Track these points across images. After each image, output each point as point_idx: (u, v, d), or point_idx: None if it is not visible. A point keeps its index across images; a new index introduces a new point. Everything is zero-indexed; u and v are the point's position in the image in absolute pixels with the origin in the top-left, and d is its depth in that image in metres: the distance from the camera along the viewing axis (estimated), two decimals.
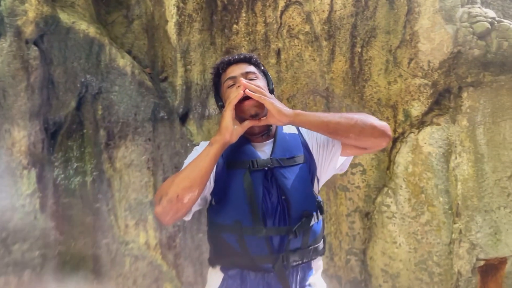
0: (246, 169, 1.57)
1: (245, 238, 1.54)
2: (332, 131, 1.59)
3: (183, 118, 2.94)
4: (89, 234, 2.52)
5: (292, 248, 1.56)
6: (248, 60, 1.71)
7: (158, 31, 2.90)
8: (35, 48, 2.30)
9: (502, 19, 3.13)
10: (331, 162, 1.71)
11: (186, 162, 1.63)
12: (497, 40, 3.06)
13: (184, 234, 2.85)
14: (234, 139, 1.55)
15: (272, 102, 1.54)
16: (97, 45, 2.51)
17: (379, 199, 3.27)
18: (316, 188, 1.68)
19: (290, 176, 1.60)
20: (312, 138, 1.72)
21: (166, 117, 2.77)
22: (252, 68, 1.70)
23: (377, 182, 3.27)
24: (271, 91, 1.71)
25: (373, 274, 3.28)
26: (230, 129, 1.52)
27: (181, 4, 2.84)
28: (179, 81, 2.84)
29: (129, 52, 2.78)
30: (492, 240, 3.14)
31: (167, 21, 2.83)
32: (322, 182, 1.76)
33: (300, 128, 1.75)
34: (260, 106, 1.58)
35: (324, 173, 1.73)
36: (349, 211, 3.31)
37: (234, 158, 1.61)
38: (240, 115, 1.58)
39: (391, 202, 3.22)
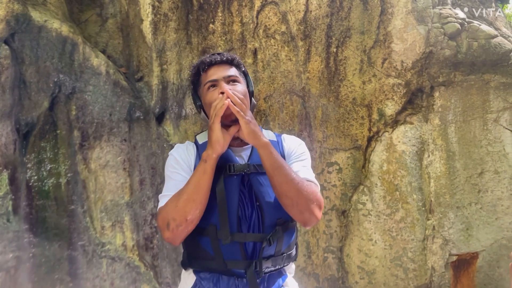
0: (220, 175, 1.55)
1: (219, 242, 1.54)
2: (277, 185, 1.52)
3: (160, 118, 2.91)
4: (64, 236, 2.47)
5: (265, 255, 1.57)
6: (230, 62, 1.68)
7: (133, 30, 2.87)
8: (6, 47, 2.24)
9: (472, 20, 3.23)
10: None
11: (167, 171, 1.63)
12: (467, 40, 3.15)
13: (161, 235, 2.83)
14: (225, 148, 1.55)
15: (247, 122, 1.52)
16: (70, 44, 2.47)
17: (355, 197, 3.31)
18: None
19: (266, 183, 1.58)
20: (290, 149, 1.72)
21: (142, 117, 2.74)
22: (233, 71, 1.67)
23: (353, 180, 3.31)
24: (251, 93, 1.71)
25: (350, 271, 3.32)
26: (221, 142, 1.51)
27: (156, 3, 2.82)
28: (155, 81, 2.82)
29: (103, 52, 2.74)
30: (464, 236, 3.23)
31: (142, 20, 2.80)
32: None
33: (281, 136, 1.77)
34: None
35: None
36: (326, 210, 3.34)
37: None
38: (224, 122, 1.57)
39: (367, 200, 3.28)
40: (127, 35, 2.86)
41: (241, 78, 1.69)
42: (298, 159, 1.68)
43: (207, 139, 1.63)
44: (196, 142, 1.71)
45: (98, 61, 2.56)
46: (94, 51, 2.58)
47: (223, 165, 1.58)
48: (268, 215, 1.57)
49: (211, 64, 1.66)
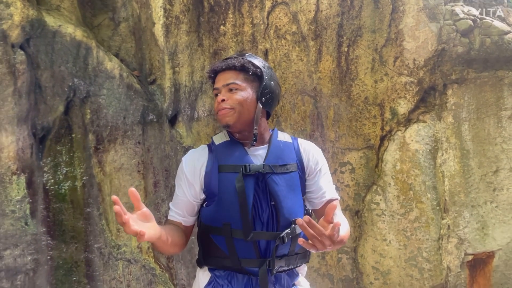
0: (238, 173, 1.58)
1: (234, 240, 1.57)
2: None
3: (172, 121, 2.92)
4: (81, 238, 2.49)
5: (279, 254, 1.60)
6: (234, 68, 1.68)
7: (145, 33, 2.89)
8: (21, 52, 2.26)
9: (484, 17, 3.20)
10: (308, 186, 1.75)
11: (176, 179, 1.73)
12: (480, 37, 3.12)
13: None
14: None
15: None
16: (84, 48, 2.49)
17: (368, 197, 3.30)
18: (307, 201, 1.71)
19: (281, 183, 1.62)
20: (311, 160, 1.75)
21: (155, 119, 2.75)
22: (234, 77, 1.67)
23: (366, 180, 3.30)
24: (261, 95, 1.69)
25: (364, 272, 3.31)
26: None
27: (168, 6, 2.83)
28: (167, 83, 2.83)
29: (116, 55, 2.76)
30: (479, 235, 3.20)
31: (154, 23, 2.82)
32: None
33: (297, 140, 1.79)
34: (231, 116, 1.64)
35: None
36: None
37: (227, 162, 1.62)
38: (222, 126, 1.70)
39: (380, 200, 3.26)
40: (139, 38, 2.88)
41: (247, 83, 1.68)
42: (322, 173, 1.72)
43: (223, 140, 1.70)
44: (212, 143, 1.73)
45: (111, 64, 2.58)
46: (107, 55, 2.60)
47: (239, 165, 1.60)
48: (283, 215, 1.60)
49: (216, 72, 1.73)
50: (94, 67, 2.52)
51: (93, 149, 2.53)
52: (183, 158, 1.74)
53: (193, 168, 1.66)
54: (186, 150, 2.84)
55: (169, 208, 1.72)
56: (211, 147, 1.72)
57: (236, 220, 1.56)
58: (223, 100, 1.64)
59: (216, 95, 1.70)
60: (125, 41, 2.84)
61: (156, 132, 2.76)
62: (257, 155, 1.68)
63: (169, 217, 1.72)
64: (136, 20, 2.88)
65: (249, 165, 1.60)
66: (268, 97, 1.71)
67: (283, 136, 1.76)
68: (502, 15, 3.38)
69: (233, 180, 1.58)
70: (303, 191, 1.70)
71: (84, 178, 2.49)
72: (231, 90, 1.65)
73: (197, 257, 1.75)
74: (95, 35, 2.74)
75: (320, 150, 1.80)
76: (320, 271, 3.35)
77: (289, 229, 1.58)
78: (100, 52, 2.55)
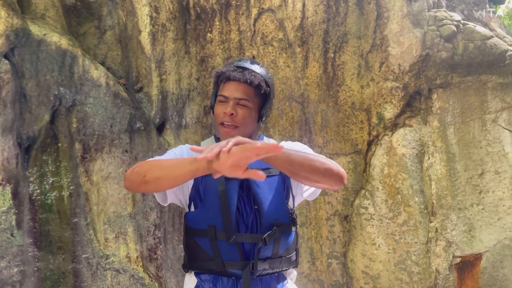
0: (222, 176, 1.59)
1: (218, 242, 1.58)
2: (294, 171, 1.50)
3: (160, 128, 2.92)
4: (68, 249, 2.46)
5: (262, 256, 1.60)
6: (249, 83, 1.65)
7: (131, 41, 2.88)
8: (6, 61, 2.24)
9: (467, 22, 3.25)
10: (298, 188, 1.74)
11: (170, 153, 1.66)
12: (463, 42, 3.17)
13: (165, 246, 2.82)
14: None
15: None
16: (70, 57, 2.47)
17: (357, 201, 3.32)
18: (291, 202, 1.72)
19: (263, 186, 1.63)
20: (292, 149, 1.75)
21: (142, 127, 2.74)
22: (247, 94, 1.65)
23: (355, 185, 3.32)
24: (264, 114, 1.70)
25: (354, 277, 3.32)
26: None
27: (154, 14, 2.83)
28: (154, 91, 2.83)
29: (102, 63, 2.75)
30: (467, 237, 3.23)
31: (140, 31, 2.82)
32: (297, 202, 1.78)
33: (279, 143, 1.77)
34: (234, 133, 1.60)
35: (296, 195, 1.76)
36: (329, 215, 3.35)
37: None
38: (222, 138, 1.64)
39: (369, 204, 3.28)
40: (126, 46, 2.87)
41: (254, 101, 1.67)
42: (302, 149, 1.71)
43: (211, 143, 1.68)
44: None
45: (97, 73, 2.57)
46: (93, 63, 2.59)
47: None
48: (265, 217, 1.61)
49: (229, 79, 1.65)
50: (80, 76, 2.50)
51: (79, 158, 2.51)
52: (181, 146, 1.72)
53: (185, 153, 1.65)
54: None
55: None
56: None
57: (220, 223, 1.58)
58: (231, 114, 1.62)
59: (221, 101, 1.66)
60: (111, 49, 2.83)
61: (144, 140, 2.75)
62: None
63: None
64: (122, 28, 2.88)
65: None
66: (268, 114, 1.75)
67: (268, 141, 1.78)
68: (485, 20, 3.45)
69: (216, 183, 1.59)
70: (288, 194, 1.71)
71: (71, 187, 2.47)
72: (239, 104, 1.64)
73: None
74: (81, 44, 2.72)
75: (303, 145, 1.79)
76: (311, 276, 3.35)
77: (271, 230, 1.60)
78: (86, 60, 2.54)
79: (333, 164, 1.55)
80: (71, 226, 2.46)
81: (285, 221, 1.65)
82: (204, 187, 1.63)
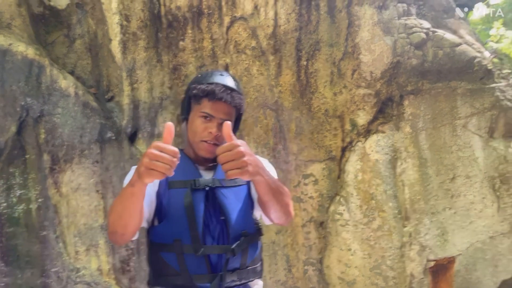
0: (187, 188, 1.57)
1: (184, 256, 1.55)
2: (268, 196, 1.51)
3: (132, 138, 2.88)
4: (37, 263, 2.40)
5: (230, 268, 1.59)
6: (234, 106, 1.66)
7: (102, 50, 2.84)
8: None
9: (436, 29, 3.31)
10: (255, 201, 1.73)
11: (126, 179, 1.59)
12: (433, 49, 3.23)
13: (138, 257, 2.77)
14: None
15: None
16: (37, 67, 2.43)
17: (332, 207, 3.33)
18: (257, 212, 1.71)
19: (230, 196, 1.62)
20: None
21: (114, 137, 2.70)
22: (232, 115, 1.67)
23: (329, 191, 3.33)
24: (235, 128, 1.72)
25: (331, 283, 3.32)
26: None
27: (125, 22, 2.80)
28: (126, 100, 2.79)
29: (72, 73, 2.70)
30: (440, 241, 3.27)
31: (110, 40, 2.78)
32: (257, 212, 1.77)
33: None
34: (214, 152, 1.55)
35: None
36: (304, 222, 3.35)
37: (176, 178, 1.55)
38: (198, 153, 1.63)
39: (344, 210, 3.30)
40: (96, 55, 2.84)
41: (233, 119, 1.69)
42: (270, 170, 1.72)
43: None
44: None
45: (66, 82, 2.53)
46: (62, 72, 2.55)
47: (188, 180, 1.60)
48: (233, 228, 1.60)
49: (217, 98, 1.62)
50: (48, 86, 2.46)
51: (48, 170, 2.46)
52: (133, 167, 1.63)
53: None
54: None
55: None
56: None
57: (186, 236, 1.55)
58: (216, 135, 1.61)
59: (205, 117, 1.62)
60: (81, 58, 2.79)
61: (115, 150, 2.71)
62: (207, 171, 1.68)
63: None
64: (92, 37, 2.84)
65: (198, 179, 1.60)
66: (237, 127, 1.77)
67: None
68: (454, 28, 3.52)
69: (182, 195, 1.56)
70: (253, 204, 1.71)
71: (39, 200, 2.42)
72: (221, 124, 1.60)
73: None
74: (49, 53, 2.68)
75: (267, 161, 1.80)
76: (287, 284, 3.34)
77: (239, 241, 1.59)
78: (54, 70, 2.50)
79: (291, 204, 1.60)
80: (39, 240, 2.40)
81: (251, 231, 1.64)
82: (168, 200, 1.59)
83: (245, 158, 1.32)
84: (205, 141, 1.62)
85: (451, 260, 3.29)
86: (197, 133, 1.63)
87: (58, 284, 2.44)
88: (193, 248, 1.54)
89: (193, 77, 1.78)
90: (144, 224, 1.62)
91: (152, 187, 1.58)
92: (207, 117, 1.62)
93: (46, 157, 2.45)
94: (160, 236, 1.60)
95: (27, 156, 2.42)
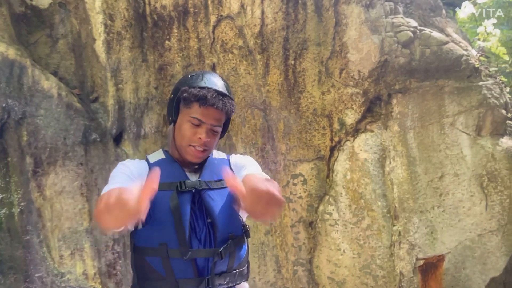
0: (173, 191, 1.54)
1: (170, 261, 1.52)
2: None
3: (117, 139, 2.83)
4: (20, 268, 2.35)
5: (218, 271, 1.57)
6: (226, 112, 1.63)
7: (85, 50, 2.79)
8: None
9: (424, 28, 3.31)
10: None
11: (113, 172, 1.57)
12: (420, 48, 3.22)
13: (125, 260, 2.73)
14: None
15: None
16: (18, 68, 2.37)
17: (321, 207, 3.31)
18: (243, 213, 1.68)
19: (217, 198, 1.60)
20: (238, 162, 1.74)
21: (98, 139, 2.65)
22: (221, 121, 1.64)
23: (318, 191, 3.31)
24: (223, 132, 1.71)
25: (320, 283, 3.31)
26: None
27: (109, 22, 2.76)
28: (110, 101, 2.74)
29: (55, 73, 2.65)
30: (429, 240, 3.27)
31: (94, 40, 2.73)
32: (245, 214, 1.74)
33: (231, 156, 1.77)
34: (203, 157, 1.60)
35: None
36: (293, 222, 3.33)
37: (162, 180, 1.50)
38: (185, 157, 1.60)
39: (333, 210, 3.28)
40: (80, 55, 2.78)
41: (222, 124, 1.67)
42: (250, 165, 1.70)
43: (158, 158, 1.65)
44: (147, 162, 1.67)
45: (48, 83, 2.47)
46: (44, 73, 2.49)
47: (174, 183, 1.57)
48: (220, 230, 1.57)
49: (209, 105, 1.58)
50: (30, 87, 2.40)
51: (31, 173, 2.41)
52: (123, 162, 1.62)
53: (138, 169, 1.57)
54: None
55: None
56: (147, 165, 1.64)
57: (173, 240, 1.52)
58: (205, 141, 1.59)
59: (194, 124, 1.58)
60: (64, 59, 2.73)
61: (100, 152, 2.66)
62: (193, 173, 1.65)
63: (113, 186, 1.49)
64: (76, 37, 2.79)
65: (184, 181, 1.57)
66: (226, 130, 1.74)
67: (218, 154, 1.76)
68: (441, 26, 3.52)
69: (167, 198, 1.52)
70: (238, 205, 1.68)
71: (22, 204, 2.36)
72: (212, 130, 1.61)
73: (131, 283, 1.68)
74: (31, 53, 2.62)
75: (250, 158, 1.78)
76: (277, 285, 3.32)
77: (227, 244, 1.57)
78: (36, 70, 2.44)
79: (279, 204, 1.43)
80: (22, 244, 2.35)
81: (238, 234, 1.62)
82: (153, 203, 1.48)
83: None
84: (193, 146, 1.59)
85: (440, 258, 3.29)
86: (185, 137, 1.59)
87: None
88: (180, 252, 1.51)
89: (182, 78, 1.73)
90: (129, 227, 1.58)
91: (137, 177, 1.54)
92: (197, 123, 1.59)
93: (28, 159, 2.40)
94: (145, 240, 1.56)
95: (9, 159, 2.36)
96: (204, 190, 1.59)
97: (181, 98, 1.61)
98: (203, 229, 1.57)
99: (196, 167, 1.67)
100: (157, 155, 1.69)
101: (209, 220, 1.58)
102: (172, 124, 1.66)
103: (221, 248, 1.55)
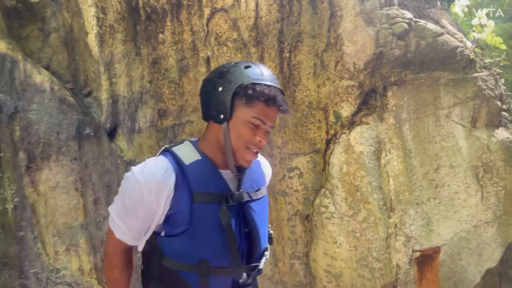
0: (219, 204, 1.40)
1: (209, 278, 1.41)
2: None
3: (112, 134, 2.81)
4: (15, 265, 2.33)
5: (247, 283, 1.50)
6: (283, 113, 1.48)
7: (78, 43, 2.76)
8: None
9: (419, 19, 3.30)
10: None
11: (124, 194, 1.42)
12: (415, 39, 3.21)
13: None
14: None
15: None
16: (10, 62, 2.34)
17: (317, 200, 3.31)
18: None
19: (258, 210, 1.50)
20: (267, 178, 1.66)
21: (92, 133, 2.63)
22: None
23: (314, 184, 3.31)
24: None
25: (317, 276, 3.31)
26: None
27: (101, 15, 2.72)
28: (104, 95, 2.72)
29: (47, 68, 2.62)
30: (425, 231, 3.28)
31: (87, 33, 2.70)
32: None
33: (259, 159, 1.62)
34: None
35: None
36: (290, 215, 3.32)
37: (203, 190, 1.41)
38: (238, 161, 1.44)
39: (329, 203, 3.28)
40: (72, 49, 2.75)
41: None
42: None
43: (194, 159, 1.44)
44: (176, 160, 1.43)
45: (41, 78, 2.44)
46: (36, 67, 2.46)
47: (220, 194, 1.42)
48: (259, 245, 1.50)
49: (277, 106, 1.42)
50: (22, 81, 2.37)
51: (24, 168, 2.38)
52: (142, 182, 1.37)
53: (155, 199, 1.37)
54: (127, 164, 2.73)
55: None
56: (177, 166, 1.41)
57: (217, 257, 1.41)
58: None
59: (255, 125, 1.40)
60: (57, 53, 2.70)
61: (94, 146, 2.64)
62: (229, 179, 1.47)
63: (118, 237, 1.46)
64: (68, 30, 2.75)
65: (231, 194, 1.42)
66: None
67: (264, 162, 1.66)
68: (436, 18, 3.51)
69: (213, 212, 1.39)
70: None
71: (16, 199, 2.34)
72: (268, 132, 1.46)
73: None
74: (23, 47, 2.59)
75: (266, 161, 1.72)
76: (273, 278, 3.32)
77: (264, 257, 1.50)
78: (28, 65, 2.41)
79: None
80: (17, 240, 2.33)
81: (268, 244, 1.57)
82: (196, 214, 1.39)
83: None
84: (249, 148, 1.43)
85: (436, 250, 3.30)
86: (243, 139, 1.41)
87: (38, 286, 2.37)
88: (222, 271, 1.42)
89: (232, 69, 1.45)
90: (141, 240, 1.45)
91: (162, 204, 1.38)
92: (258, 124, 1.41)
93: (22, 155, 2.37)
94: (180, 253, 1.41)
95: (1, 155, 2.33)
96: (246, 202, 1.47)
97: (242, 94, 1.40)
98: (243, 243, 1.47)
99: (237, 174, 1.49)
100: (190, 152, 1.47)
101: (246, 230, 1.47)
102: (225, 122, 1.42)
103: (261, 264, 1.48)
